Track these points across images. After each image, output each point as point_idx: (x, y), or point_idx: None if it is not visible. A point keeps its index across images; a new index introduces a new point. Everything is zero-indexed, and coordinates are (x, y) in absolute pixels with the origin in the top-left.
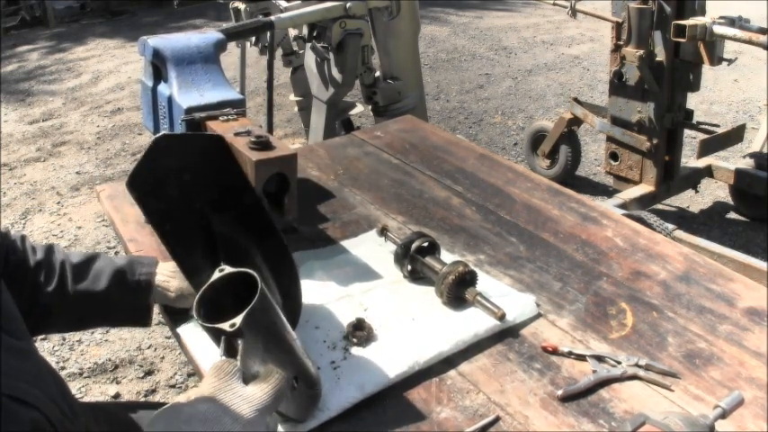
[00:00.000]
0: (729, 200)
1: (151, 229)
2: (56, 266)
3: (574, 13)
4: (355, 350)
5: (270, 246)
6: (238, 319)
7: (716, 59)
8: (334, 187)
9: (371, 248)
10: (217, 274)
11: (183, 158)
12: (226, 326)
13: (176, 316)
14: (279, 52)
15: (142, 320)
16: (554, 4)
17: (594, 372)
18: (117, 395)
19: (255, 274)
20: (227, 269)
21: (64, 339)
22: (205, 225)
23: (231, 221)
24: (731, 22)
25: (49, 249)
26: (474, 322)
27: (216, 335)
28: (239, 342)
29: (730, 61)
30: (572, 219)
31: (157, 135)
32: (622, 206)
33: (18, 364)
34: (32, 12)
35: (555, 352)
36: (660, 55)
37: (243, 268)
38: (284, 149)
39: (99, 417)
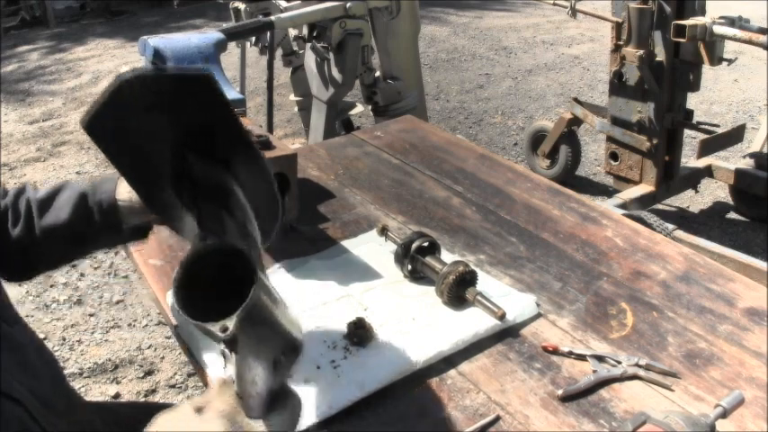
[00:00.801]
0: (729, 200)
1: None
2: (21, 207)
3: (574, 13)
4: (355, 349)
5: (242, 162)
6: (231, 323)
7: (716, 59)
8: (334, 187)
9: (372, 248)
10: (198, 245)
11: (154, 98)
12: (216, 329)
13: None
14: (279, 52)
15: (122, 237)
16: (554, 4)
17: (595, 371)
18: (117, 395)
19: (245, 252)
20: (210, 241)
21: (64, 339)
22: (176, 164)
23: (204, 158)
24: (731, 22)
25: (19, 191)
26: (474, 322)
27: (205, 332)
28: (232, 351)
29: (730, 61)
30: (572, 219)
31: (124, 74)
32: (622, 206)
33: (6, 355)
34: (32, 12)
35: (555, 352)
36: (660, 55)
37: (227, 241)
38: (284, 149)
39: (106, 417)
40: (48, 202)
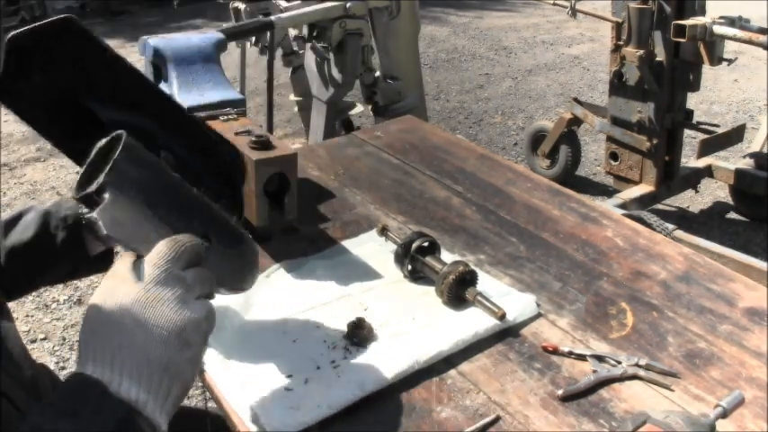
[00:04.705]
0: (729, 200)
1: None
2: None
3: (574, 13)
4: (355, 349)
5: (169, 117)
6: (102, 176)
7: (716, 59)
8: (334, 187)
9: (372, 248)
10: (93, 151)
11: (43, 53)
12: (92, 187)
13: None
14: (279, 52)
15: (86, 261)
16: (554, 4)
17: (595, 371)
18: None
19: (122, 132)
20: (102, 141)
21: (64, 339)
22: (94, 118)
23: (124, 108)
24: (731, 22)
25: None
26: (474, 322)
27: (89, 204)
28: (106, 197)
29: (730, 61)
30: (572, 219)
31: (9, 35)
32: (622, 206)
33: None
34: (32, 12)
35: (555, 352)
36: (660, 55)
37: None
38: (284, 149)
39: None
40: (13, 223)
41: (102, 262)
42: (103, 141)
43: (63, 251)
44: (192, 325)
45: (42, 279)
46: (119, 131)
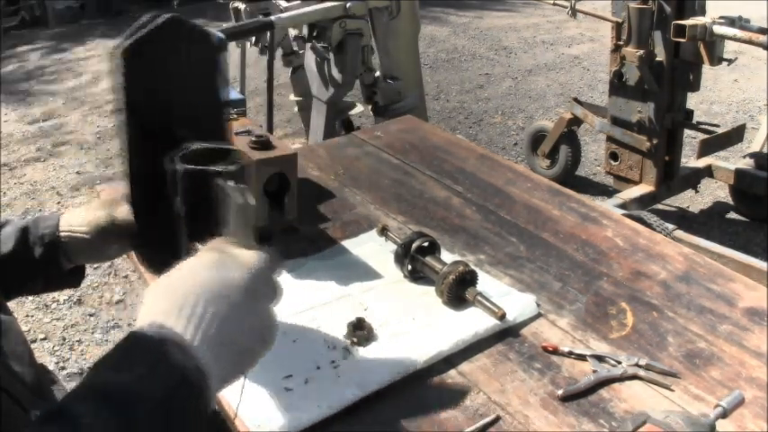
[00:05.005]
0: (729, 200)
1: None
2: None
3: (574, 13)
4: (355, 349)
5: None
6: (233, 166)
7: (716, 59)
8: (334, 187)
9: (372, 248)
10: (193, 146)
11: (178, 42)
12: (218, 167)
13: None
14: (279, 52)
15: (60, 278)
16: (554, 4)
17: (595, 371)
18: None
19: (239, 149)
20: (204, 144)
21: (64, 339)
22: (164, 134)
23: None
24: (731, 22)
25: None
26: (474, 322)
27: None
28: (230, 184)
29: (730, 61)
30: (572, 219)
31: (167, 15)
32: (622, 206)
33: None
34: (32, 12)
35: (555, 352)
36: (660, 55)
37: (223, 145)
38: (284, 149)
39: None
40: None
41: (74, 277)
42: (207, 146)
43: (40, 266)
44: (270, 327)
45: (20, 290)
46: (233, 148)
